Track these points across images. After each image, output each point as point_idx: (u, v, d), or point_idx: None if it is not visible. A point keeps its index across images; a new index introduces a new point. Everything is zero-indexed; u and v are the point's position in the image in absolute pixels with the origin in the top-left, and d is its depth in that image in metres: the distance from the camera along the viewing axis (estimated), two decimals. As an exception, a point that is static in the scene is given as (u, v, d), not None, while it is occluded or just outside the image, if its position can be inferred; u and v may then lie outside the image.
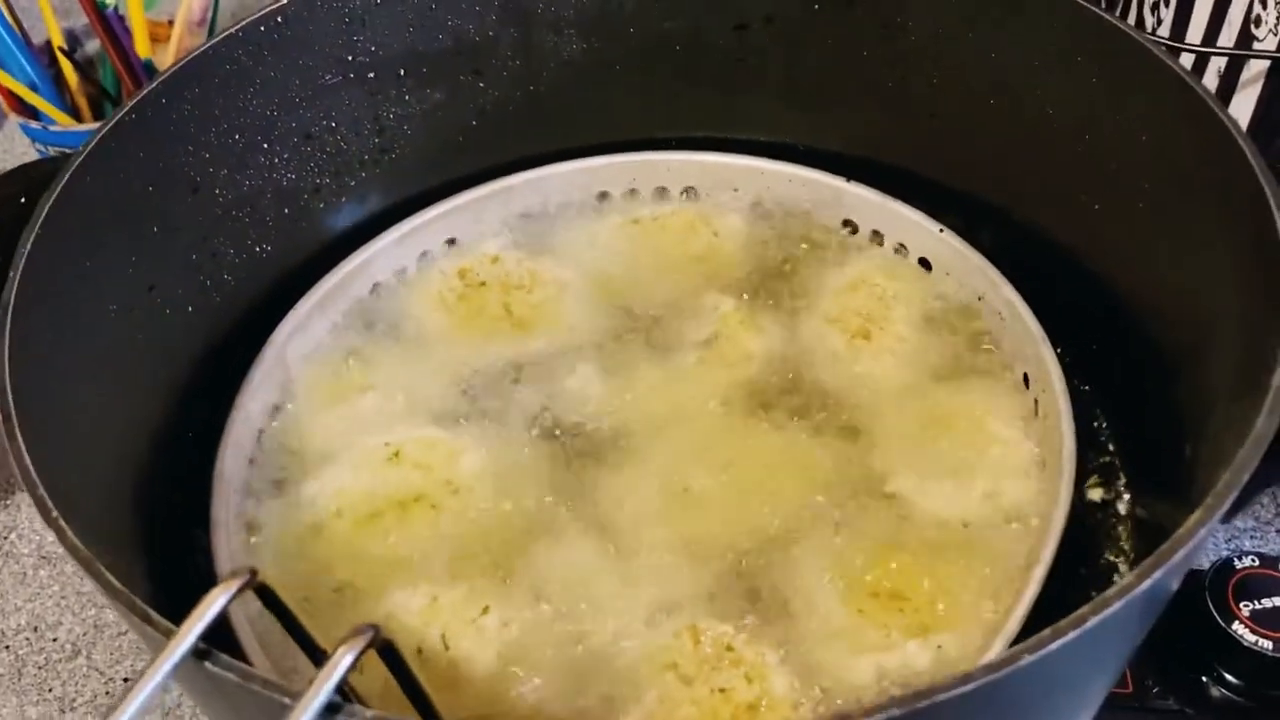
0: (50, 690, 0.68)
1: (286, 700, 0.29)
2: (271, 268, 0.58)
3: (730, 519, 0.50)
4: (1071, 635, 0.30)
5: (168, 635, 0.30)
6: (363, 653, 0.30)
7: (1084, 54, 0.52)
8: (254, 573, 0.31)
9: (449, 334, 0.59)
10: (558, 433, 0.54)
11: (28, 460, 0.36)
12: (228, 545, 0.49)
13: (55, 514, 0.34)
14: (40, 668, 0.69)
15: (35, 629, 0.71)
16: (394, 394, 0.55)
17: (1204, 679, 0.56)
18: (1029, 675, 0.30)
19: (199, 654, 0.30)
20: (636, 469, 0.52)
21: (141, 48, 0.82)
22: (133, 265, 0.50)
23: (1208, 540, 0.36)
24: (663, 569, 0.48)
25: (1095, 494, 0.52)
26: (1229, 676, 0.56)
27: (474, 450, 0.52)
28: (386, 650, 0.31)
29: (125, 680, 0.68)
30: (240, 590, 0.31)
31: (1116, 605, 0.30)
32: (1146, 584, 0.30)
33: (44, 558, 0.74)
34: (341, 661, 0.29)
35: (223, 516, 0.50)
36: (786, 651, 0.44)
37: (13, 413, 0.37)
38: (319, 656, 0.35)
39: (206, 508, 0.50)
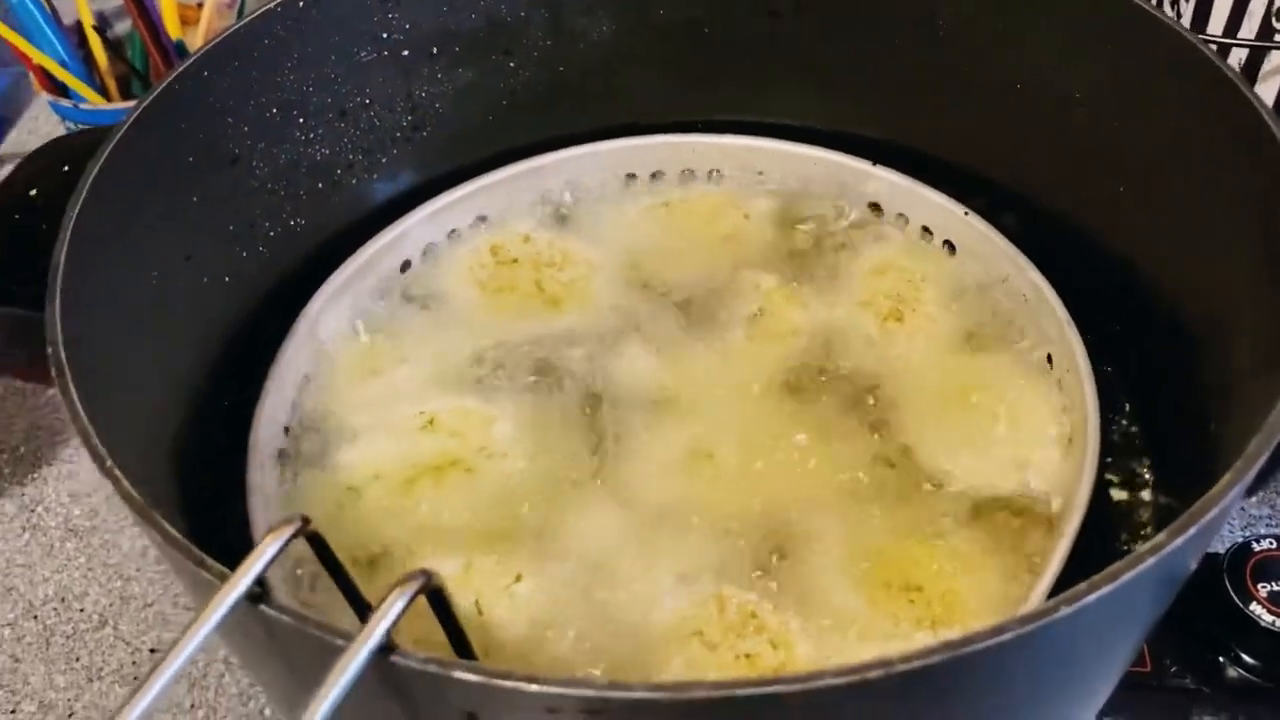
0: (78, 659, 0.68)
1: (340, 641, 0.30)
2: (305, 241, 0.59)
3: (759, 494, 0.50)
4: (1106, 590, 0.30)
5: (222, 580, 0.31)
6: (415, 595, 0.31)
7: (1110, 38, 0.52)
8: (306, 520, 0.32)
9: (481, 309, 0.60)
10: (589, 406, 0.54)
11: (82, 412, 0.36)
12: (264, 512, 0.50)
13: (110, 463, 0.35)
14: (68, 637, 0.70)
15: (63, 599, 0.72)
16: (426, 366, 0.56)
17: (1221, 659, 0.57)
18: (1060, 631, 0.30)
19: (253, 598, 0.31)
20: (670, 441, 0.52)
21: (172, 29, 0.83)
22: (173, 235, 0.51)
23: (1233, 509, 0.37)
24: (690, 539, 0.48)
25: (1118, 476, 0.52)
26: (1246, 657, 0.56)
27: (507, 419, 0.53)
28: (435, 596, 0.32)
29: (152, 651, 0.69)
30: (294, 536, 0.32)
31: (1149, 561, 0.31)
32: (1179, 540, 0.31)
33: (71, 530, 0.75)
34: (395, 604, 0.30)
35: (259, 482, 0.51)
36: (807, 620, 0.45)
37: (65, 368, 0.38)
38: (363, 609, 0.36)
39: (242, 476, 0.51)
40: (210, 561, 0.32)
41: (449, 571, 0.48)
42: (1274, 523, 0.71)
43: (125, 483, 0.34)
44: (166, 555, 0.34)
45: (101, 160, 0.46)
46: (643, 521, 0.49)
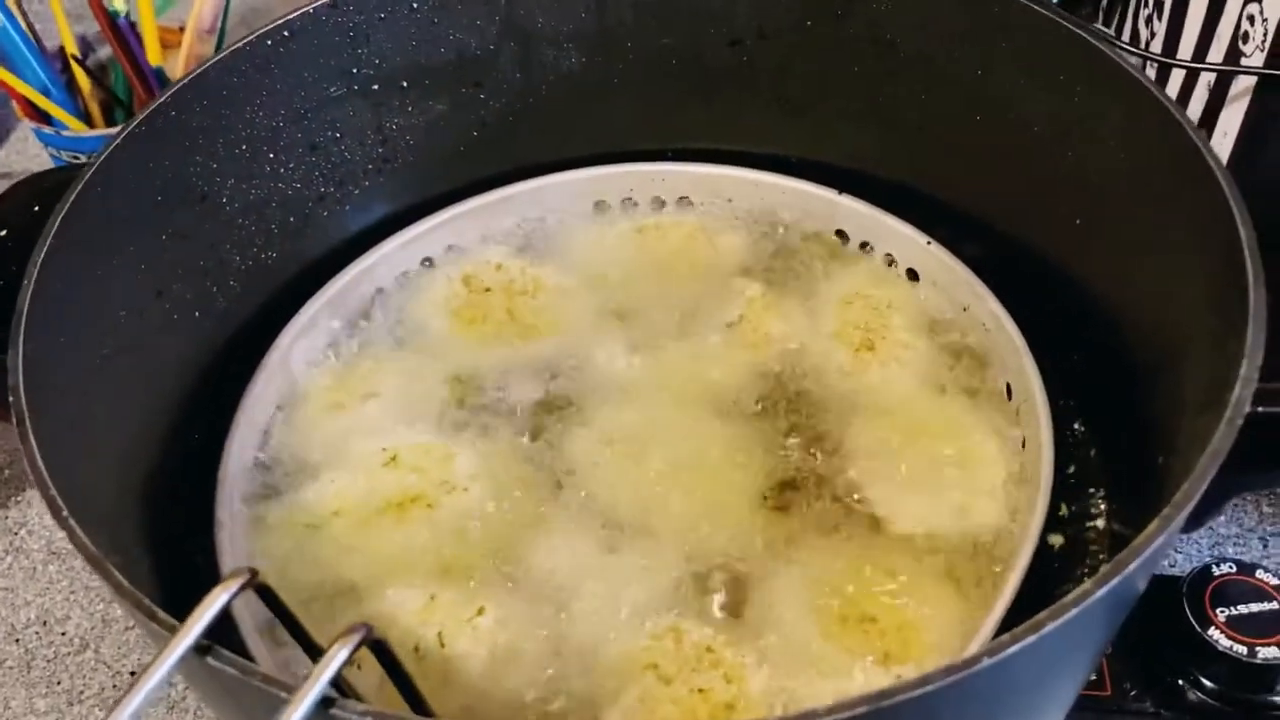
0: (59, 683, 0.69)
1: (283, 694, 0.30)
2: (277, 274, 0.60)
3: (720, 527, 0.51)
4: (1029, 640, 0.31)
5: (172, 631, 0.32)
6: (356, 649, 0.31)
7: (1067, 72, 0.53)
8: (254, 573, 0.33)
9: (452, 339, 0.60)
10: (553, 436, 0.55)
11: (40, 462, 0.37)
12: (231, 546, 0.50)
13: (65, 513, 0.36)
14: (49, 661, 0.71)
15: (44, 623, 0.72)
16: (394, 399, 0.57)
17: (1181, 683, 0.58)
18: (988, 679, 0.31)
19: (201, 649, 0.32)
20: (632, 475, 0.53)
21: (153, 55, 0.84)
22: (141, 272, 0.52)
23: (1168, 549, 0.38)
24: (650, 572, 0.49)
25: (1073, 506, 0.53)
26: (1205, 681, 0.57)
27: (469, 453, 0.54)
28: (378, 647, 0.33)
29: (132, 674, 0.70)
30: (240, 589, 0.33)
31: (1073, 611, 0.32)
32: (1103, 590, 0.32)
33: (54, 553, 0.76)
34: (336, 657, 0.31)
35: (226, 518, 0.52)
36: (762, 655, 0.46)
37: (26, 415, 0.39)
38: (316, 654, 0.37)
39: (212, 509, 0.52)
40: (160, 614, 0.33)
41: (414, 604, 0.49)
42: (1241, 541, 0.72)
43: (80, 533, 0.35)
44: (120, 604, 0.35)
45: (68, 205, 0.47)
46: (603, 555, 0.50)
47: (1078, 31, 0.52)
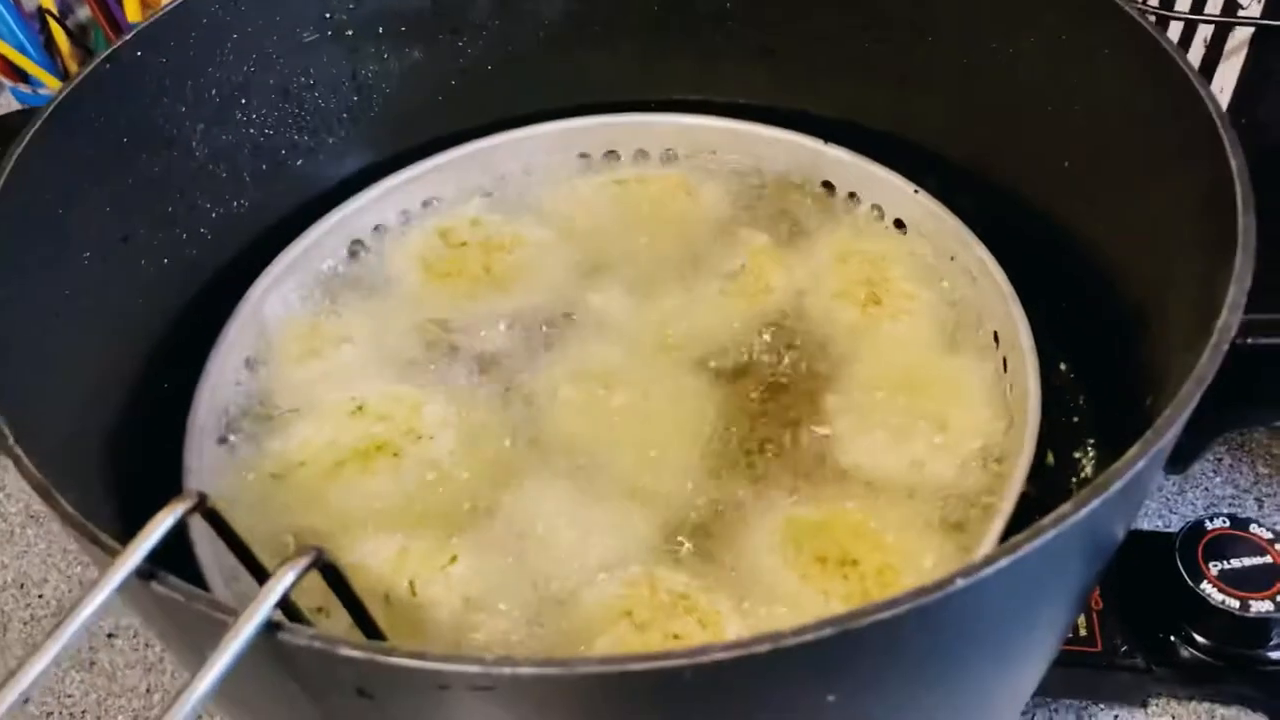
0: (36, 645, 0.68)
1: (228, 619, 0.29)
2: (249, 223, 0.58)
3: (697, 471, 0.50)
4: (1003, 562, 0.30)
5: (113, 555, 0.31)
6: (305, 571, 0.30)
7: (1056, 13, 0.52)
8: (203, 496, 0.32)
9: (427, 293, 0.59)
10: (528, 387, 0.54)
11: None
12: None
13: (11, 440, 0.35)
14: (25, 624, 0.70)
15: (21, 586, 0.71)
16: (366, 349, 0.56)
17: (1173, 638, 0.57)
18: (961, 603, 0.30)
19: (144, 574, 0.31)
20: (609, 421, 0.52)
21: (131, 13, 0.83)
22: (107, 216, 0.50)
23: (1151, 478, 0.37)
24: (624, 518, 0.48)
25: (1060, 452, 0.52)
26: (1197, 636, 0.56)
27: (439, 402, 0.52)
28: (329, 571, 0.32)
29: (110, 636, 0.69)
30: (188, 512, 0.32)
31: (1051, 534, 0.30)
32: (1083, 513, 0.31)
33: (31, 516, 0.75)
34: (282, 579, 0.30)
35: (196, 465, 0.51)
36: (737, 600, 0.45)
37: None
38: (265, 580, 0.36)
39: (176, 458, 0.51)
40: (102, 536, 0.32)
41: (385, 553, 0.48)
42: (1236, 502, 0.70)
43: (26, 460, 0.34)
44: (66, 531, 0.33)
45: (25, 140, 0.45)
46: (576, 502, 0.49)
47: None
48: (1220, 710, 0.60)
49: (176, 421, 0.52)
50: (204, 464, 0.51)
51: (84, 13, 0.87)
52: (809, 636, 0.28)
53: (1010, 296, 0.53)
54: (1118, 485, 0.31)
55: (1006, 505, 0.46)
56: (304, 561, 0.30)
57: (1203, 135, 0.42)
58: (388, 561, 0.47)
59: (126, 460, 0.49)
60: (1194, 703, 0.60)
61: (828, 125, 0.62)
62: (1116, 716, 0.60)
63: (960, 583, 0.29)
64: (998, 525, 0.46)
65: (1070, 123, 0.52)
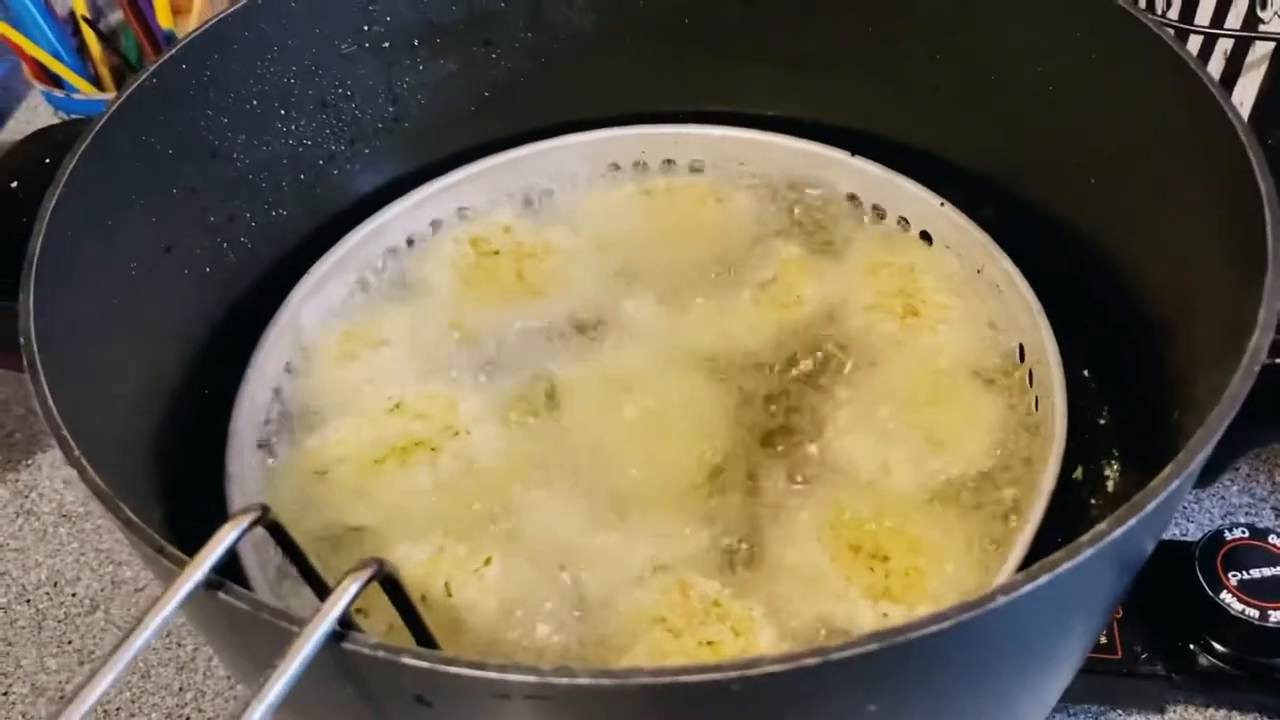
0: (70, 643, 0.70)
1: (294, 628, 0.30)
2: (287, 232, 0.59)
3: (728, 479, 0.51)
4: (1043, 579, 0.31)
5: (180, 566, 0.32)
6: (367, 583, 0.31)
7: (1081, 28, 0.53)
8: (265, 509, 0.33)
9: (460, 299, 0.60)
10: (557, 391, 0.55)
11: (51, 403, 0.37)
12: (241, 497, 0.51)
13: (77, 453, 0.36)
14: (60, 621, 0.71)
15: (55, 584, 0.73)
16: (402, 353, 0.57)
17: (1192, 647, 0.57)
18: (1000, 619, 0.31)
19: (211, 585, 0.32)
20: (644, 425, 0.53)
21: (163, 18, 0.84)
22: (152, 226, 0.51)
23: (1182, 496, 0.38)
24: (656, 524, 0.49)
25: (1087, 465, 0.53)
26: (1216, 645, 0.57)
27: (473, 400, 0.54)
28: (389, 583, 0.33)
29: (141, 634, 0.70)
30: (251, 525, 0.33)
31: (1089, 551, 0.31)
32: (1119, 532, 0.32)
33: (64, 515, 0.76)
34: (348, 590, 0.31)
35: (237, 470, 0.52)
36: (771, 605, 0.46)
37: (36, 358, 0.39)
38: (325, 593, 0.37)
39: (223, 462, 0.52)
40: (169, 548, 0.33)
41: (421, 554, 0.49)
42: (1252, 511, 0.71)
43: (90, 471, 0.35)
44: (130, 542, 0.35)
45: (78, 153, 0.46)
46: (608, 506, 0.50)
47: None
48: (1238, 717, 0.61)
49: (218, 426, 0.53)
50: (245, 468, 0.52)
51: (115, 17, 0.89)
52: (856, 650, 0.29)
53: (1036, 309, 0.54)
54: (1152, 505, 0.32)
55: (1034, 517, 0.47)
56: (367, 573, 0.31)
57: (1231, 156, 0.43)
58: (424, 563, 0.49)
59: (170, 466, 0.50)
60: (1211, 709, 0.61)
61: (854, 137, 0.63)
62: (1135, 723, 0.61)
63: (1001, 599, 0.30)
64: (1025, 537, 0.46)
65: (1098, 141, 0.53)
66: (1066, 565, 0.31)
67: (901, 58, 0.61)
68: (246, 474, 0.52)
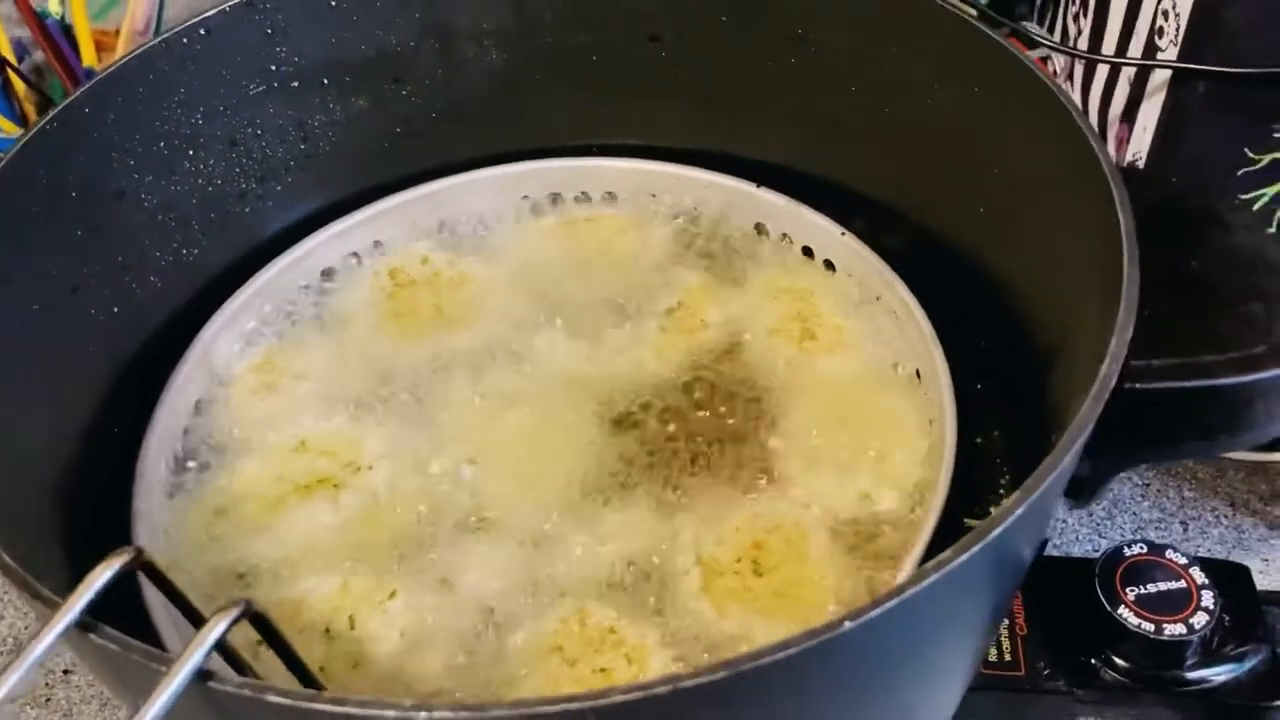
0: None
1: (161, 668, 0.31)
2: (199, 271, 0.60)
3: (632, 505, 0.52)
4: (890, 604, 0.32)
5: (54, 608, 0.32)
6: (235, 621, 0.32)
7: (966, 63, 0.54)
8: (139, 551, 0.34)
9: (377, 331, 0.61)
10: (465, 426, 0.56)
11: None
12: (149, 536, 0.51)
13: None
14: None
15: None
16: (313, 389, 0.58)
17: (1093, 661, 0.59)
18: (853, 643, 0.32)
19: (83, 626, 0.32)
20: (545, 457, 0.54)
21: (87, 57, 0.84)
22: (56, 267, 0.52)
23: (1037, 522, 0.39)
24: (558, 554, 0.50)
25: (978, 487, 0.54)
26: (1116, 659, 0.58)
27: (380, 437, 0.55)
28: (259, 621, 0.33)
29: (66, 671, 0.70)
30: (125, 567, 0.33)
31: (933, 578, 0.32)
32: (961, 559, 0.33)
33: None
34: (214, 629, 0.32)
35: (145, 508, 0.52)
36: (666, 631, 0.47)
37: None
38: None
39: (126, 504, 0.52)
40: (43, 591, 0.33)
41: (326, 589, 0.49)
42: (1162, 525, 0.73)
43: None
44: (10, 580, 0.35)
45: (-26, 198, 0.47)
46: (512, 538, 0.51)
47: (982, 29, 0.54)
48: (1142, 730, 0.62)
49: (128, 466, 0.53)
50: (152, 506, 0.53)
51: (40, 56, 0.89)
52: (706, 679, 0.30)
53: (931, 337, 0.55)
54: (996, 531, 0.33)
55: (921, 539, 0.48)
56: (234, 612, 0.32)
57: (1098, 191, 0.44)
58: (329, 596, 0.49)
59: (79, 506, 0.50)
60: (1115, 725, 0.63)
61: (762, 169, 0.65)
62: (1043, 738, 0.63)
63: (849, 624, 0.31)
64: (915, 554, 0.48)
65: (984, 171, 0.55)
66: (912, 590, 0.32)
67: (803, 93, 0.63)
68: (155, 512, 0.52)
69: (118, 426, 0.55)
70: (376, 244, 0.65)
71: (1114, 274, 0.42)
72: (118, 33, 0.88)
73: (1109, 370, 0.38)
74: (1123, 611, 0.58)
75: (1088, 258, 0.47)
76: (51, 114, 0.51)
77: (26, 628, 0.72)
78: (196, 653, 0.31)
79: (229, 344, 0.59)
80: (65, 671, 0.70)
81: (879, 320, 0.59)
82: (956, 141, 0.57)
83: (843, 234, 0.61)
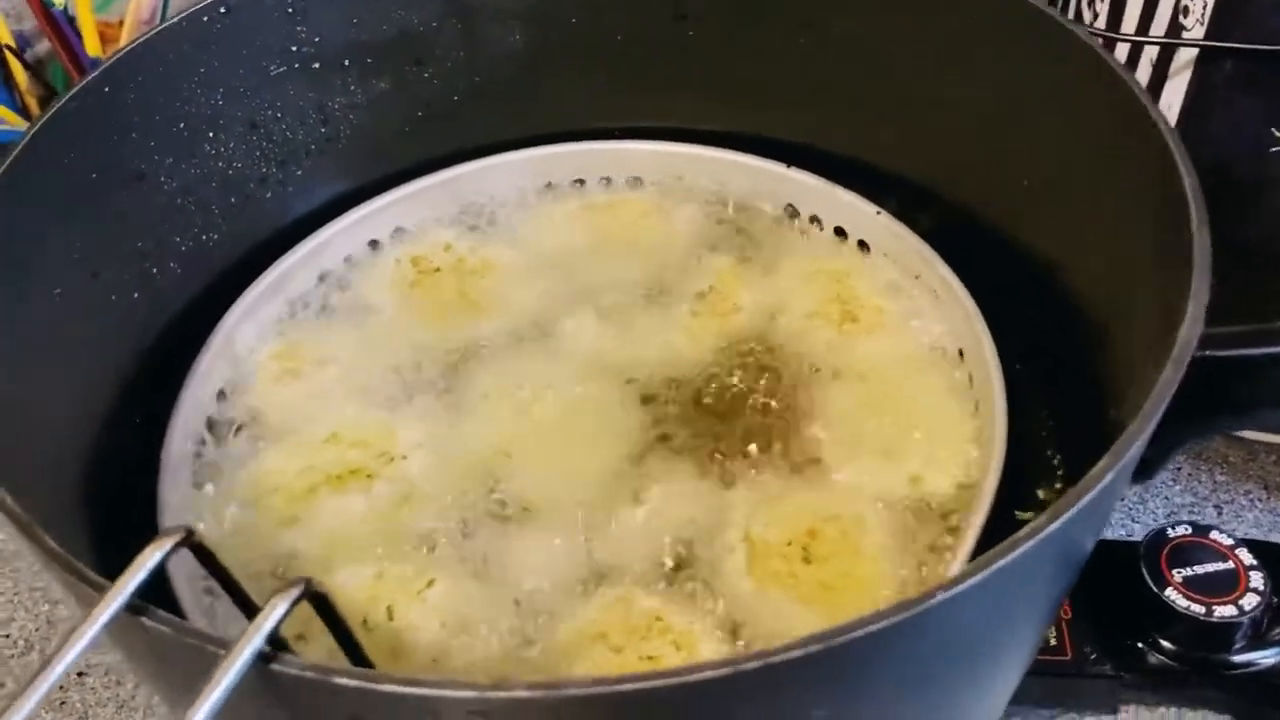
0: (3, 686, 0.68)
1: (219, 650, 0.29)
2: (219, 257, 0.58)
3: (673, 491, 0.51)
4: (982, 575, 0.31)
5: (101, 591, 0.31)
6: (296, 602, 0.31)
7: (1012, 39, 0.53)
8: (190, 531, 0.32)
9: (401, 319, 0.59)
10: (499, 412, 0.54)
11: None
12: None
13: (-10, 480, 0.35)
14: (-8, 665, 0.69)
15: (-13, 626, 0.71)
16: (340, 379, 0.56)
17: (1140, 645, 0.58)
18: (942, 615, 0.31)
19: (134, 609, 0.31)
20: (580, 443, 0.53)
21: (91, 46, 0.83)
22: (77, 252, 0.50)
23: (1120, 489, 0.37)
24: (599, 542, 0.49)
25: (1030, 467, 0.52)
26: (1164, 642, 0.57)
27: (412, 425, 0.53)
28: (319, 602, 0.32)
29: (80, 674, 0.68)
30: (176, 547, 0.32)
31: (1026, 546, 0.31)
32: (1056, 525, 0.31)
33: (-4, 555, 0.74)
34: (275, 609, 0.30)
35: (170, 499, 0.50)
36: (715, 617, 0.45)
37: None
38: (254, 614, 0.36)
39: (151, 494, 0.51)
40: (90, 574, 0.32)
41: (361, 580, 0.48)
42: (1196, 509, 0.72)
43: (9, 500, 0.34)
44: (49, 569, 0.33)
45: (-4, 181, 0.45)
46: (551, 527, 0.49)
47: (1022, -1, 0.53)
48: (1189, 714, 0.61)
49: (150, 455, 0.52)
50: (179, 497, 0.51)
51: (43, 46, 0.87)
52: (798, 653, 0.29)
53: (975, 314, 0.54)
54: (1088, 498, 0.32)
55: (976, 521, 0.47)
56: (295, 592, 0.30)
57: (1155, 155, 0.43)
58: (365, 587, 0.48)
59: (101, 496, 0.49)
60: (1162, 709, 0.61)
61: (791, 150, 0.64)
62: (1087, 725, 0.61)
63: (941, 596, 0.30)
64: (969, 541, 0.46)
65: (1029, 146, 0.54)
66: (1004, 560, 0.31)
67: (834, 71, 0.62)
68: (182, 503, 0.51)
69: (139, 416, 0.53)
70: (398, 230, 0.63)
71: (1176, 239, 0.41)
72: (121, 23, 0.87)
73: (1187, 336, 0.37)
74: (1170, 594, 0.57)
75: (1142, 225, 0.46)
76: (72, 91, 0.49)
77: (37, 630, 0.70)
78: (259, 633, 0.29)
79: (251, 332, 0.58)
80: (80, 674, 0.68)
81: (919, 300, 0.58)
82: (997, 115, 0.56)
83: (878, 213, 0.60)
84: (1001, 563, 0.31)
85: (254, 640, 0.29)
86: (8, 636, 0.70)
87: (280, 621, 0.30)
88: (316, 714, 0.31)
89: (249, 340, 0.57)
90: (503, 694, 0.28)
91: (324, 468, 0.52)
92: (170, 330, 0.56)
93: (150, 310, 0.55)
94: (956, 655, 0.36)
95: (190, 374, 0.54)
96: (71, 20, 0.83)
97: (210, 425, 0.54)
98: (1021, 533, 0.32)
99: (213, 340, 0.56)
